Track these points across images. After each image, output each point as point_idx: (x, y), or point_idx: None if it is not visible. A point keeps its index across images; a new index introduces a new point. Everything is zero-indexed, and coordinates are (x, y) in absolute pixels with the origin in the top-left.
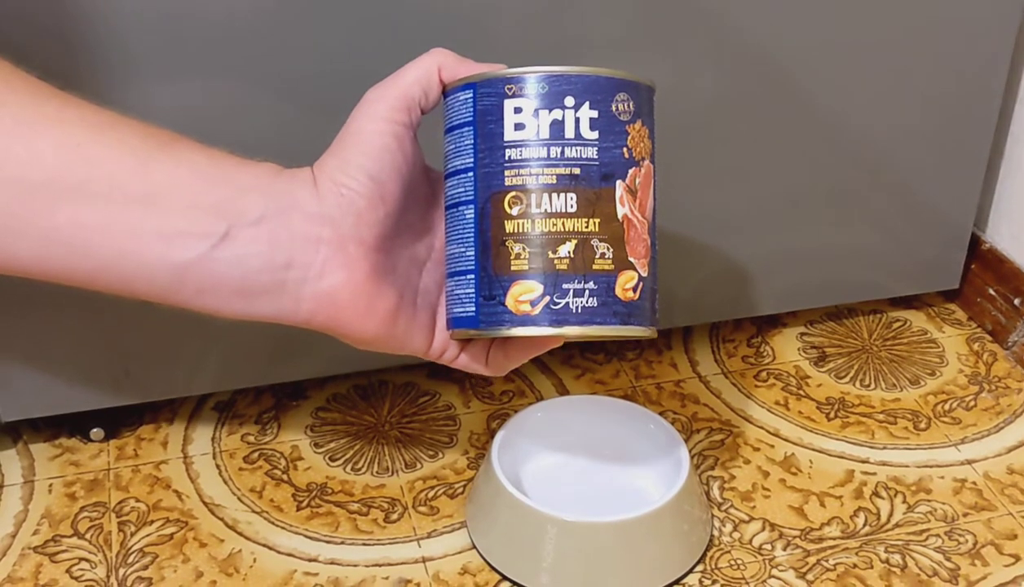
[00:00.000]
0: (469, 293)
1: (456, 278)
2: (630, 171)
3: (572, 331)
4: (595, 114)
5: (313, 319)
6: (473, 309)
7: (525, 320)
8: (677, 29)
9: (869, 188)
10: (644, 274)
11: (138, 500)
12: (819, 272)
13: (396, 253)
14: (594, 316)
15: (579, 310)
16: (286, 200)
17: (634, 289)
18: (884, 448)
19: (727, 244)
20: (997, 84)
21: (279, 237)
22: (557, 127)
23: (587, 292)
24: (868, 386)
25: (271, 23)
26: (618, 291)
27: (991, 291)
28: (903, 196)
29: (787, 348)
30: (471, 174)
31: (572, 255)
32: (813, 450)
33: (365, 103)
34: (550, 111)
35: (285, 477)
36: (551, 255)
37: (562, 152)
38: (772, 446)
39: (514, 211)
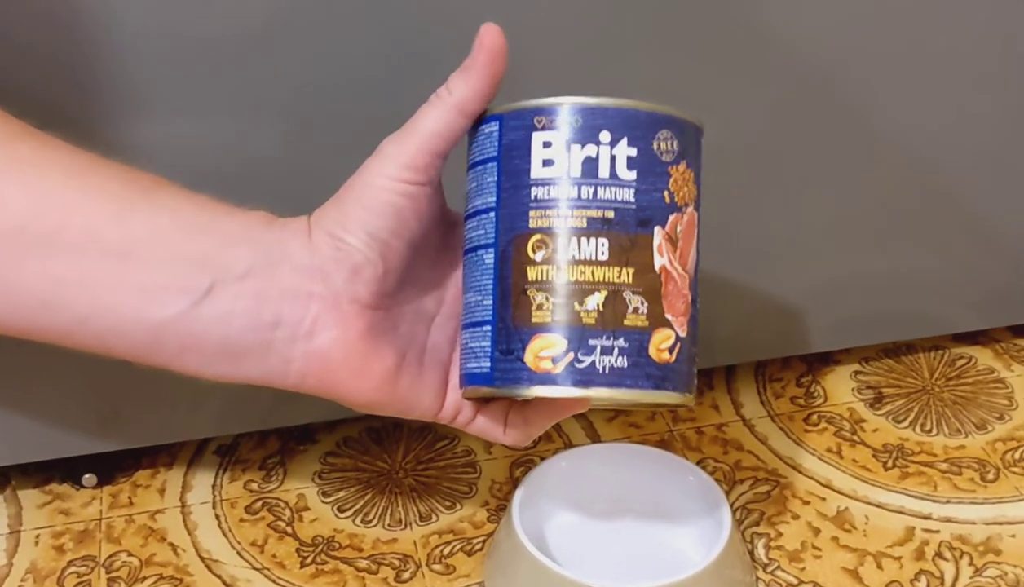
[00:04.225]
0: (484, 346)
1: (471, 329)
2: (671, 217)
3: (598, 393)
4: (634, 152)
5: (304, 382)
6: (488, 364)
7: (545, 379)
8: (714, 40)
9: (931, 213)
10: (682, 334)
11: (130, 554)
12: (875, 305)
13: (398, 310)
14: (623, 378)
15: (607, 370)
16: (276, 252)
17: (670, 350)
18: (948, 502)
19: (774, 275)
20: None
21: (267, 293)
22: (590, 165)
23: (616, 350)
24: (929, 431)
25: (279, 43)
26: (652, 351)
27: None
28: (968, 222)
29: (840, 389)
30: (493, 214)
31: (601, 308)
32: (869, 504)
33: (378, 157)
34: (583, 146)
35: (289, 529)
36: (577, 307)
37: (595, 193)
38: (823, 499)
39: (538, 256)
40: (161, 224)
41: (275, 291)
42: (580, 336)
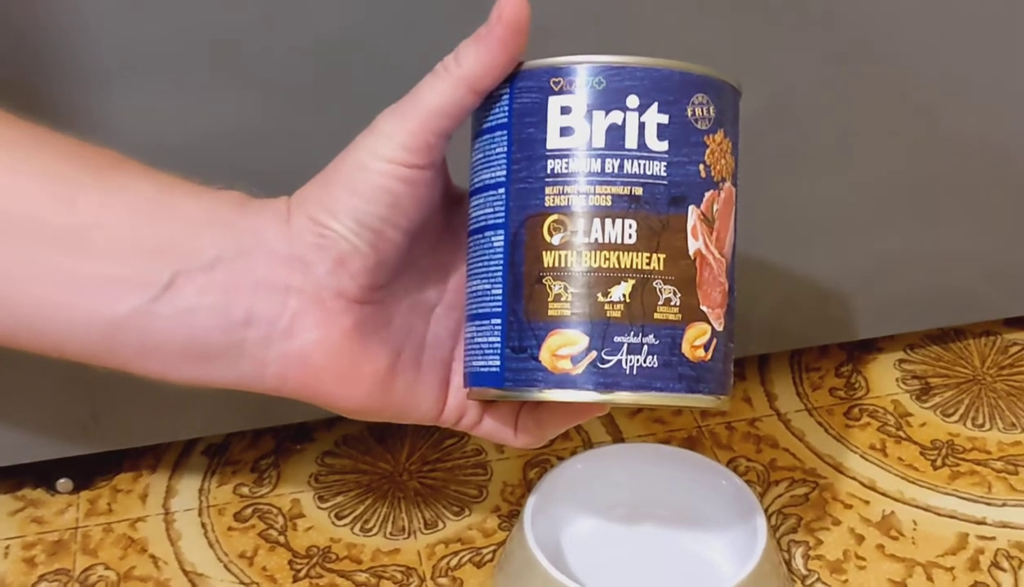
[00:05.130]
0: (493, 343)
1: (478, 322)
2: (707, 194)
3: (623, 398)
4: (665, 119)
5: (283, 387)
6: (498, 363)
7: (563, 381)
8: None
9: (981, 188)
10: (718, 328)
11: (107, 567)
12: (921, 287)
13: (392, 302)
14: (653, 379)
15: (634, 371)
16: (249, 239)
17: (705, 347)
18: (1004, 505)
19: (811, 255)
20: None
21: (238, 285)
22: (615, 134)
23: (645, 348)
24: (982, 426)
25: (261, 8)
26: (685, 348)
27: None
28: (1021, 197)
29: (883, 379)
30: (502, 191)
31: (628, 300)
32: (917, 507)
33: (373, 135)
34: (607, 113)
35: (282, 539)
36: (600, 298)
37: (620, 166)
38: (867, 502)
39: (555, 240)
40: (115, 208)
41: (247, 284)
42: (604, 332)
